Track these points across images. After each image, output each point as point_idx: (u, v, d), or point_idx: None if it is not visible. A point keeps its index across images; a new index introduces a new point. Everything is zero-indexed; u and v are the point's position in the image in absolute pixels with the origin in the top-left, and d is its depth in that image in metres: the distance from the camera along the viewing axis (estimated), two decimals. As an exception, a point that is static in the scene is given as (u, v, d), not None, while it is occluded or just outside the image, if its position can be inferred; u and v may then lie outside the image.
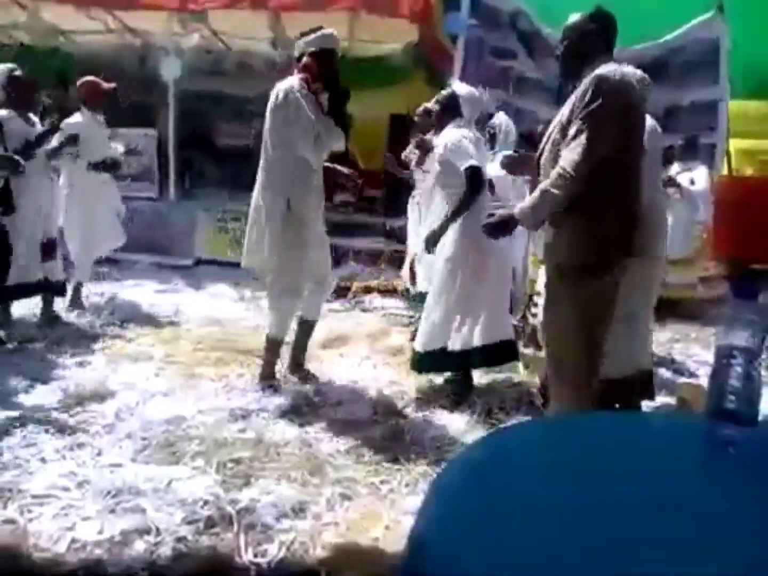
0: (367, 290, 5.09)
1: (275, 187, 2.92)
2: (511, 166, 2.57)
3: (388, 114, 7.51)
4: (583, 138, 2.02)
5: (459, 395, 3.11)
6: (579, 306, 2.13)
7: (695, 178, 4.96)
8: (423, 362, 3.15)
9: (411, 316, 4.54)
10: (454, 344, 3.07)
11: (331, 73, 2.90)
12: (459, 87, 3.23)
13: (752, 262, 5.04)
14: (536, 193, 2.16)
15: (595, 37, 2.16)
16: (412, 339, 3.47)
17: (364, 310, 4.84)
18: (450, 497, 0.95)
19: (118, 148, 4.59)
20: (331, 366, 3.50)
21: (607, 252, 2.12)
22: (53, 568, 1.79)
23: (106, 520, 1.95)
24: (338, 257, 5.54)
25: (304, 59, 2.88)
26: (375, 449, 2.56)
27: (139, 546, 1.86)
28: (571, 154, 2.04)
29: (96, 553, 1.82)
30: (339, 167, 3.23)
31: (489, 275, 3.06)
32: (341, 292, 5.09)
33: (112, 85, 4.38)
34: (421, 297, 4.49)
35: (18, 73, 3.80)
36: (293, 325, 3.27)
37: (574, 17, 2.23)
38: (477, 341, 3.06)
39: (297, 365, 3.29)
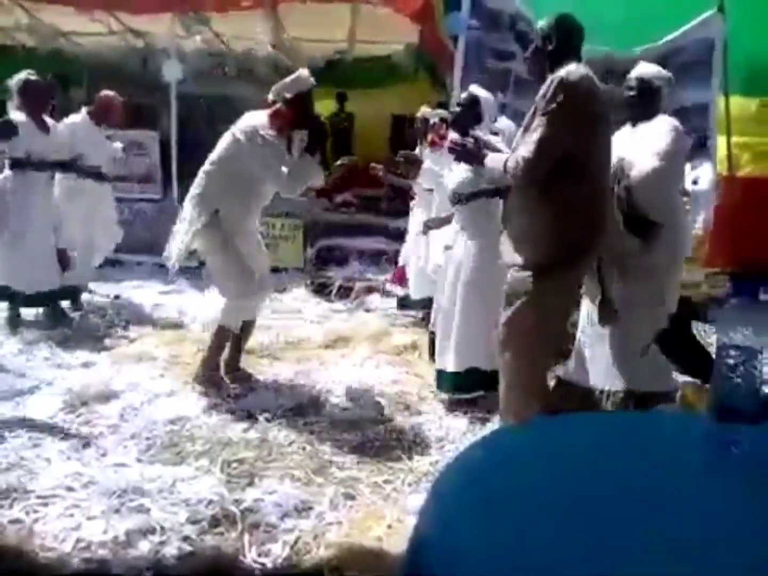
0: (369, 291, 5.08)
1: (205, 197, 2.97)
2: (458, 153, 2.53)
3: (389, 114, 7.52)
4: (536, 135, 2.09)
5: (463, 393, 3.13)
6: (539, 304, 2.17)
7: (699, 176, 4.96)
8: (455, 381, 3.05)
9: (413, 317, 4.55)
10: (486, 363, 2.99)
11: (307, 114, 3.01)
12: (477, 90, 3.22)
13: (753, 262, 5.04)
14: (501, 160, 2.24)
15: (559, 42, 2.22)
16: (432, 355, 3.39)
17: (366, 311, 4.84)
18: (450, 498, 0.95)
19: (117, 150, 4.60)
20: (334, 366, 3.51)
21: (570, 251, 2.15)
22: (59, 568, 1.80)
23: (111, 520, 1.96)
24: (340, 258, 5.55)
25: (279, 106, 2.94)
26: (378, 449, 2.57)
27: (144, 545, 1.87)
28: (523, 149, 2.11)
29: (101, 553, 1.83)
30: (338, 166, 3.29)
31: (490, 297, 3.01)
32: (343, 293, 5.09)
33: (121, 99, 4.44)
34: (412, 302, 4.49)
35: (34, 78, 3.85)
36: None
37: (540, 23, 2.33)
38: None
39: (233, 367, 3.24)
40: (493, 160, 2.35)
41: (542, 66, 2.25)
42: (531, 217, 2.19)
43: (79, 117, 4.30)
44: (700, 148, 5.10)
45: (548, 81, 2.12)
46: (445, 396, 3.10)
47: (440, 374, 3.09)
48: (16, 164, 3.78)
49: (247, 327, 3.25)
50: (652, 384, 2.51)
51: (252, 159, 2.91)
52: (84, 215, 4.29)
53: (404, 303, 4.56)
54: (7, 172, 3.81)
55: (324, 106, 7.45)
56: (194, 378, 3.11)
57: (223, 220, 2.95)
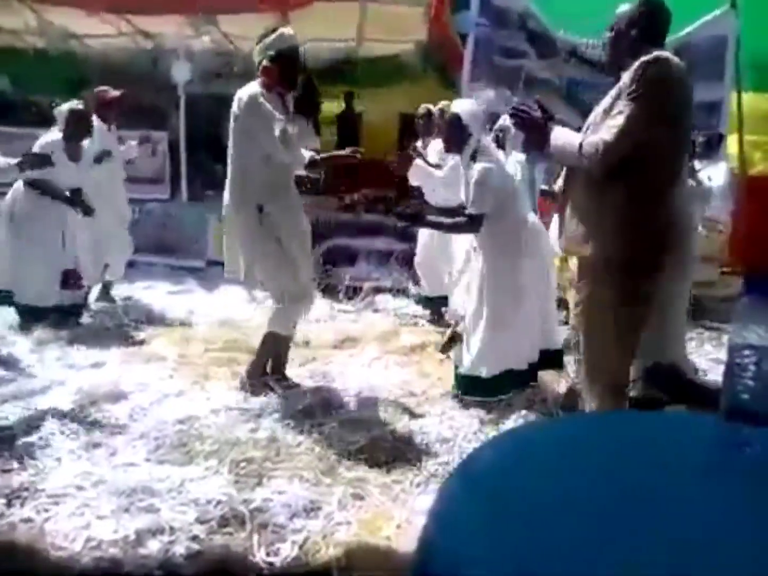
0: (378, 291, 5.08)
1: (244, 195, 2.88)
2: (521, 121, 2.23)
3: (398, 113, 7.51)
4: (621, 119, 1.94)
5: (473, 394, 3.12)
6: (620, 303, 2.04)
7: (713, 173, 4.92)
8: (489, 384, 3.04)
9: (421, 317, 4.55)
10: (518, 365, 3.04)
11: (293, 72, 2.87)
12: (459, 106, 3.16)
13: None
14: (574, 140, 2.06)
15: (643, 26, 2.09)
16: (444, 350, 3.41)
17: (375, 311, 4.84)
18: (460, 500, 0.95)
19: (131, 151, 4.62)
20: (343, 366, 3.50)
21: (652, 248, 2.03)
22: (69, 567, 1.81)
23: (120, 520, 1.97)
24: (349, 257, 5.54)
25: (264, 63, 2.86)
26: (386, 449, 2.56)
27: (153, 545, 1.87)
28: (606, 133, 1.97)
29: (111, 552, 1.84)
30: (337, 152, 3.16)
31: (523, 295, 3.00)
32: (352, 293, 5.09)
33: (118, 93, 4.43)
34: (426, 300, 4.52)
35: (80, 108, 3.95)
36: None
37: (623, 6, 2.17)
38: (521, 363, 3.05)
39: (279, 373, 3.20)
40: (560, 138, 2.12)
41: (624, 52, 2.10)
42: (605, 207, 2.03)
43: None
44: (713, 145, 5.06)
45: (638, 64, 1.97)
46: (457, 396, 3.09)
47: (473, 379, 3.02)
48: (31, 184, 3.84)
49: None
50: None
51: (256, 128, 2.78)
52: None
53: (420, 301, 4.62)
54: (20, 183, 3.86)
55: (333, 106, 7.48)
56: (241, 386, 3.04)
57: (266, 213, 2.84)
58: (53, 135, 3.92)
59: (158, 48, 6.60)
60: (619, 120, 1.95)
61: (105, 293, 4.65)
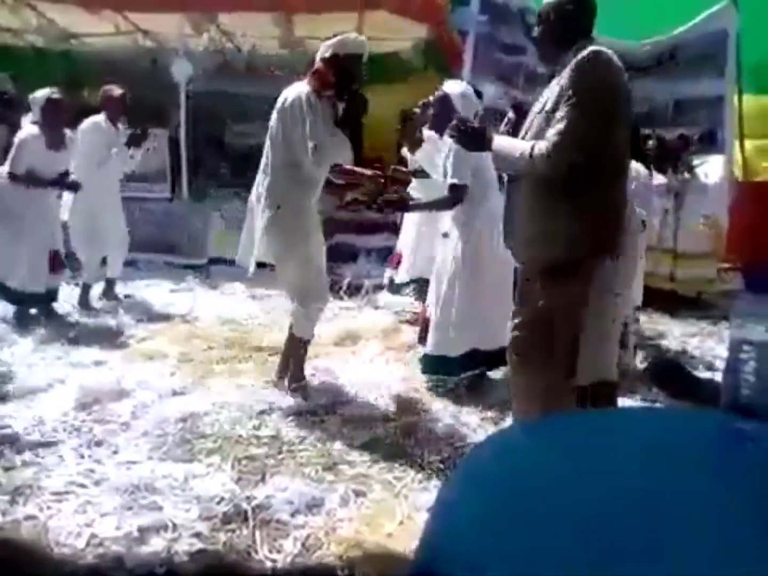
0: (379, 288, 5.09)
1: (270, 190, 2.84)
2: (459, 137, 2.26)
3: (399, 111, 7.50)
4: (564, 124, 1.92)
5: (473, 389, 3.13)
6: (559, 306, 2.03)
7: (709, 170, 4.92)
8: (432, 364, 3.18)
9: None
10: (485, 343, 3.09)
11: (345, 81, 2.76)
12: (450, 87, 3.15)
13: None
14: (520, 146, 2.03)
15: (572, 20, 2.05)
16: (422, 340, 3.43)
17: (375, 308, 4.84)
18: (461, 497, 0.95)
19: (136, 154, 4.60)
20: (344, 364, 3.51)
21: (590, 250, 2.00)
22: (72, 564, 1.81)
23: (123, 517, 1.98)
24: (350, 255, 5.55)
25: (317, 64, 2.78)
26: (388, 445, 2.57)
27: (157, 542, 1.88)
28: (552, 138, 1.93)
29: (114, 549, 1.85)
30: (361, 169, 3.00)
31: (488, 281, 3.06)
32: (353, 290, 5.10)
33: (121, 91, 4.42)
34: (398, 287, 4.52)
35: (57, 97, 3.91)
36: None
37: (545, 2, 2.13)
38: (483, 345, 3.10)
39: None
40: (504, 147, 2.11)
41: (555, 48, 2.07)
42: (552, 212, 2.02)
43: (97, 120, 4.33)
44: (711, 141, 5.06)
45: (575, 63, 1.94)
46: (458, 392, 3.11)
47: (439, 358, 3.13)
48: (13, 179, 3.83)
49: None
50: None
51: (291, 130, 2.70)
52: (90, 210, 4.31)
53: (393, 288, 4.60)
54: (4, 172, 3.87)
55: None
56: (292, 394, 2.98)
57: (285, 215, 2.79)
58: (29, 129, 3.86)
59: (158, 46, 6.60)
60: (562, 125, 1.92)
61: (108, 291, 4.65)
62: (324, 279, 3.05)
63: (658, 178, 5.01)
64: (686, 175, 4.87)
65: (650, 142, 5.05)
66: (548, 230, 2.04)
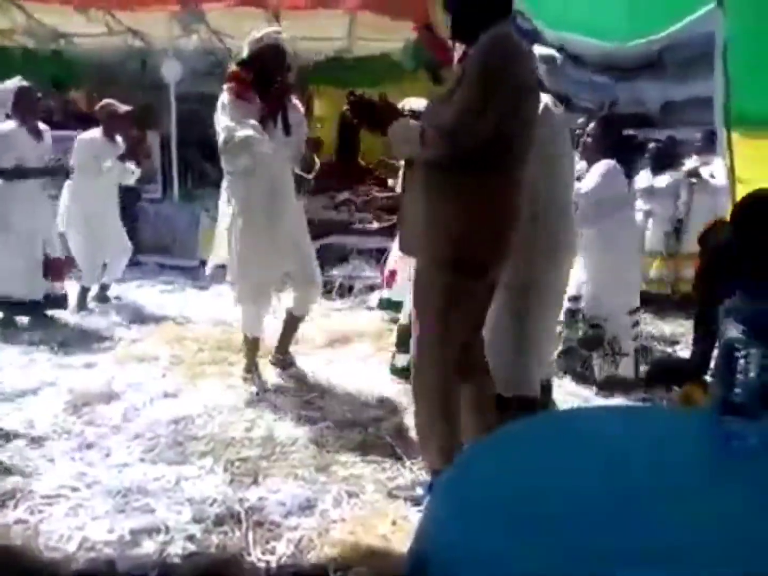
0: (371, 289, 5.08)
1: (229, 190, 2.96)
2: (356, 111, 2.05)
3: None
4: (461, 105, 1.81)
5: None
6: (446, 304, 1.93)
7: (715, 171, 4.94)
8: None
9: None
10: None
11: (266, 75, 2.75)
12: (414, 104, 3.12)
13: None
14: (414, 131, 1.89)
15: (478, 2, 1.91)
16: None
17: (367, 309, 4.84)
18: (454, 497, 0.95)
19: (135, 171, 4.55)
20: (336, 364, 3.51)
21: (483, 250, 1.91)
22: (64, 567, 1.80)
23: (115, 520, 1.97)
24: (341, 256, 5.54)
25: (231, 68, 2.85)
26: (381, 446, 2.57)
27: (149, 545, 1.88)
28: (451, 116, 1.81)
29: (106, 552, 1.84)
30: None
31: None
32: (344, 291, 5.09)
33: (128, 108, 4.38)
34: (394, 304, 4.38)
35: (26, 85, 3.84)
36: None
37: None
38: None
39: (278, 356, 3.33)
40: (397, 131, 1.95)
41: (470, 27, 1.91)
42: (448, 203, 1.88)
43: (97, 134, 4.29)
44: (709, 142, 5.08)
45: (481, 45, 1.83)
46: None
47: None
48: (2, 174, 3.77)
49: (290, 320, 3.31)
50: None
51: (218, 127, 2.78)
52: (87, 215, 4.29)
53: (383, 304, 4.45)
54: None
55: (326, 106, 7.45)
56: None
57: (238, 211, 2.91)
58: (7, 125, 3.76)
59: (148, 47, 6.57)
60: (459, 106, 1.81)
61: (101, 293, 4.60)
62: (263, 280, 3.01)
63: (659, 180, 5.07)
64: (693, 179, 4.93)
65: (651, 145, 5.11)
66: (430, 222, 1.93)
